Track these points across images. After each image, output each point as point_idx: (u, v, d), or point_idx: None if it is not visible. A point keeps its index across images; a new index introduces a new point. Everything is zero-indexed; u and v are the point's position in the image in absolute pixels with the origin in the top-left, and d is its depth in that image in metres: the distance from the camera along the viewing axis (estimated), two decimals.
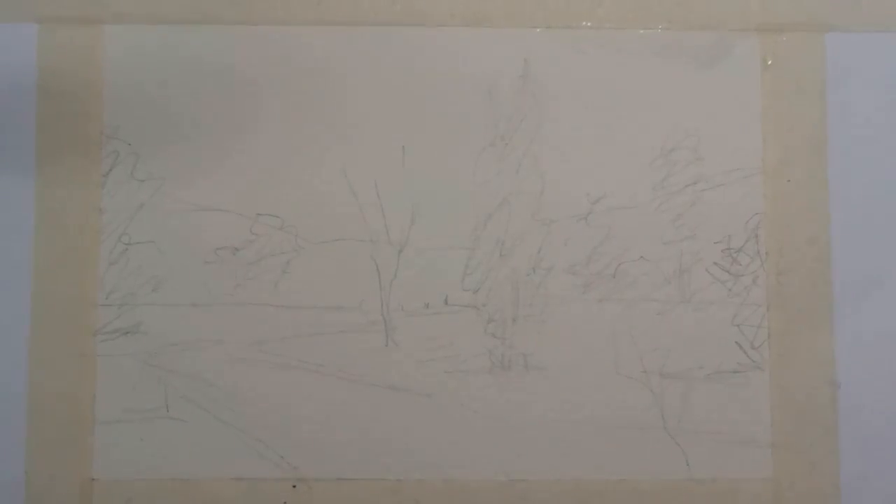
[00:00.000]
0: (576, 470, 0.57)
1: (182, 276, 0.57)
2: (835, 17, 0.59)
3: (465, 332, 0.58)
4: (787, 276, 0.58)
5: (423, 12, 0.59)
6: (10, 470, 0.56)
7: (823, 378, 0.57)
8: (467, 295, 0.58)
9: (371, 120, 0.58)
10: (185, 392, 0.57)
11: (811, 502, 0.57)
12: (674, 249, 0.58)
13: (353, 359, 0.57)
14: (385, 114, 0.58)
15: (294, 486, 0.57)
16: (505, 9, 0.59)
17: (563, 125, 0.58)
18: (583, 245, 0.58)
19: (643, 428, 0.57)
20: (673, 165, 0.58)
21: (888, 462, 0.57)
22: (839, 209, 0.58)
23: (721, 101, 0.59)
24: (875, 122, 0.59)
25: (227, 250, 0.58)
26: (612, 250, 0.58)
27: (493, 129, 0.58)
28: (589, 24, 0.59)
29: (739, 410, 0.57)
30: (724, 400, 0.57)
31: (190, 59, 0.58)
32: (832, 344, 0.57)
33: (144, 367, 0.57)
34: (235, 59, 0.58)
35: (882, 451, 0.57)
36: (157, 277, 0.57)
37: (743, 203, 0.58)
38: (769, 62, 0.59)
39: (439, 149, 0.58)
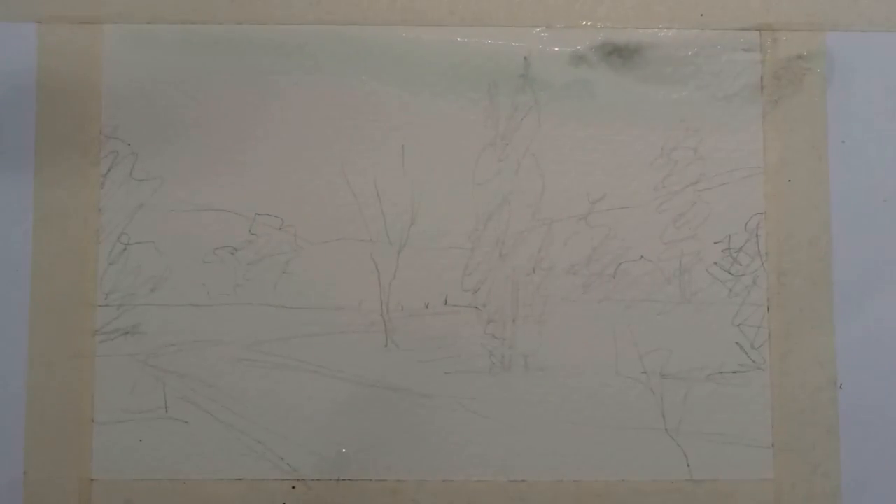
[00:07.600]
0: (576, 470, 0.57)
1: (181, 277, 0.57)
2: (836, 16, 0.59)
3: (465, 332, 0.57)
4: (788, 276, 0.58)
5: (422, 11, 0.59)
6: (8, 470, 0.56)
7: (824, 379, 0.57)
8: (467, 295, 0.58)
9: (370, 119, 0.58)
10: (184, 392, 0.57)
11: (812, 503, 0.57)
12: (674, 249, 0.58)
13: (353, 359, 0.57)
14: (384, 113, 0.58)
15: (293, 487, 0.57)
16: (505, 7, 0.59)
17: (563, 125, 0.58)
18: (583, 245, 0.58)
19: (643, 428, 0.57)
20: (673, 165, 0.58)
21: (890, 463, 0.57)
22: (840, 209, 0.58)
23: (722, 101, 0.59)
24: (876, 122, 0.59)
25: (226, 250, 0.58)
26: (613, 250, 0.58)
27: (493, 128, 0.58)
28: (589, 23, 0.59)
29: (740, 411, 0.57)
30: (724, 400, 0.57)
31: (189, 59, 0.58)
32: (833, 344, 0.57)
33: (143, 368, 0.57)
34: (235, 58, 0.58)
35: (884, 452, 0.57)
36: (157, 277, 0.57)
37: (743, 203, 0.58)
38: (770, 62, 0.59)
39: (439, 148, 0.58)
